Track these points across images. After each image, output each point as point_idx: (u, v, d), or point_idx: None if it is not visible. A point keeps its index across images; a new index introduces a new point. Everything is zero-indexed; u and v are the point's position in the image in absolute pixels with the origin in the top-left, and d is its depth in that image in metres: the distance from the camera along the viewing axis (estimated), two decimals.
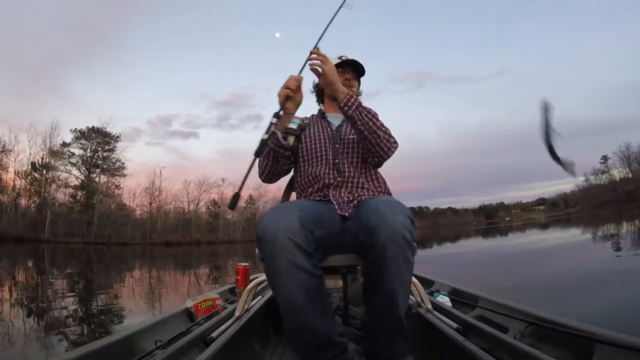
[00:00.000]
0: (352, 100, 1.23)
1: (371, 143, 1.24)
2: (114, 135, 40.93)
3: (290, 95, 1.22)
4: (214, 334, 1.34)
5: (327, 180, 1.27)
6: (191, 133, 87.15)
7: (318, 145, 1.35)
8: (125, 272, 10.09)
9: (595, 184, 67.41)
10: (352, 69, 1.50)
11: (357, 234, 1.00)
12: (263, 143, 1.11)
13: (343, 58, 1.49)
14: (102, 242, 34.60)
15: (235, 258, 16.15)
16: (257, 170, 1.38)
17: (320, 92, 1.58)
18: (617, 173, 63.51)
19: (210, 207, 50.00)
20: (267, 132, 1.13)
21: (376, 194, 1.28)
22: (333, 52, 1.44)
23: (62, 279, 7.69)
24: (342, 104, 1.22)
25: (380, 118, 1.33)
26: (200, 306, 1.65)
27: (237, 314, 1.48)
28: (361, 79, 1.56)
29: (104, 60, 76.97)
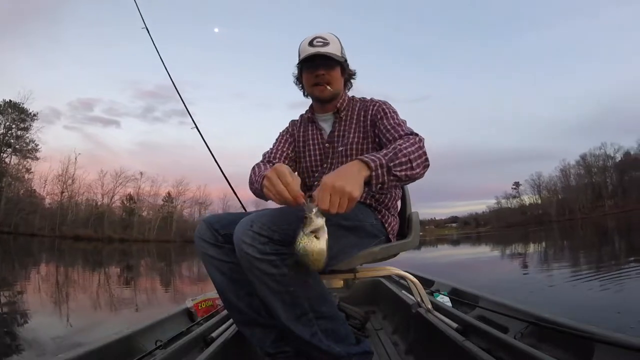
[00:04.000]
0: (379, 174, 0.90)
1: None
2: (30, 113, 37.19)
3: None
4: (214, 334, 1.35)
5: (309, 192, 1.30)
6: (112, 121, 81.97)
7: (308, 164, 1.39)
8: (32, 267, 9.89)
9: (506, 207, 74.09)
10: (325, 60, 1.26)
11: None
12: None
13: (315, 43, 1.27)
14: (8, 231, 31.97)
15: (148, 259, 15.83)
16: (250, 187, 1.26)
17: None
18: (528, 198, 70.63)
19: (126, 202, 47.08)
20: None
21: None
22: (306, 32, 1.28)
23: None
24: (373, 189, 0.91)
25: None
26: (200, 306, 1.66)
27: None
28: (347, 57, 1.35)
29: (34, 30, 71.31)
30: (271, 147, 1.42)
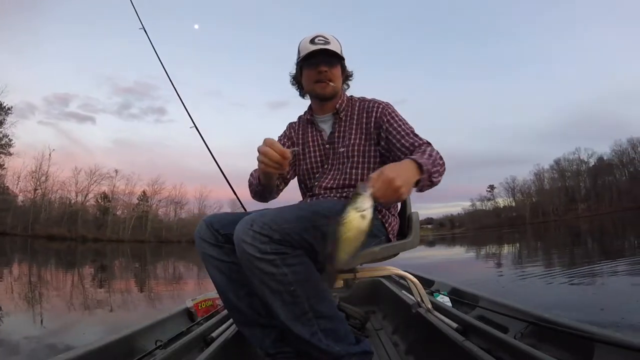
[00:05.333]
0: (425, 179, 0.96)
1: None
2: (4, 107, 36.41)
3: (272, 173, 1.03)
4: (214, 334, 1.34)
5: (310, 193, 1.35)
6: (88, 117, 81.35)
7: (308, 166, 1.38)
8: (4, 267, 9.82)
9: (481, 209, 76.66)
10: (327, 57, 1.28)
11: None
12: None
13: (317, 41, 1.28)
14: None
15: (121, 260, 15.66)
16: (249, 190, 1.34)
17: (301, 85, 1.39)
18: (502, 201, 73.48)
19: (100, 201, 46.41)
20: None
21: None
22: (304, 32, 1.27)
23: None
24: (416, 191, 0.97)
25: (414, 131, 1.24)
26: (200, 306, 1.64)
27: None
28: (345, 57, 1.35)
29: (11, 23, 69.72)
30: None
